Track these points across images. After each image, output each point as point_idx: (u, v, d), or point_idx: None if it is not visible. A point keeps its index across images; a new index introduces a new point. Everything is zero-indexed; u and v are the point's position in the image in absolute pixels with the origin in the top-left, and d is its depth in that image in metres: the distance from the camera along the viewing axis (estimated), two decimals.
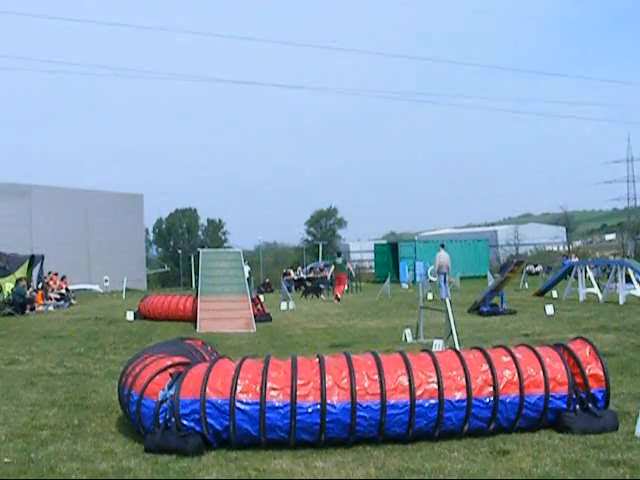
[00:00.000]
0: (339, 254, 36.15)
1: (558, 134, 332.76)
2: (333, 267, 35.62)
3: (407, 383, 7.32)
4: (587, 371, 7.82)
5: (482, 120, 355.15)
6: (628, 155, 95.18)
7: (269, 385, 7.20)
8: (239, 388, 7.20)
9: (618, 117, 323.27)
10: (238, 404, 7.14)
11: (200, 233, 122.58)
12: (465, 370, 7.49)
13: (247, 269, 36.62)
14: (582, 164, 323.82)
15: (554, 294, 29.56)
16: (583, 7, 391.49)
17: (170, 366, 7.70)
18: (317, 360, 7.59)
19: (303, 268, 54.20)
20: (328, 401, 7.14)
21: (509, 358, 7.76)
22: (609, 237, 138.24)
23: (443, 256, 31.38)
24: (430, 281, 42.46)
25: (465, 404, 7.40)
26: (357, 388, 7.21)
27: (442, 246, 32.52)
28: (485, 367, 7.59)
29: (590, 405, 7.77)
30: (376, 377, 7.31)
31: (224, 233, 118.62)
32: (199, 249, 27.49)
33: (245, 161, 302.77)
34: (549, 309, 21.69)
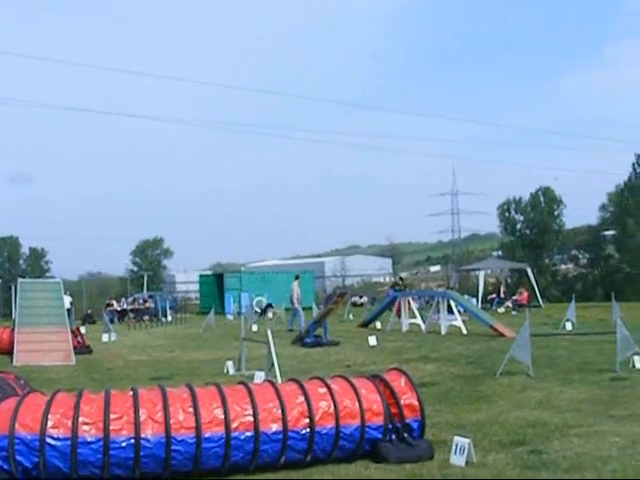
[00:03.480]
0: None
1: (386, 167, 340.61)
2: None
3: (223, 416, 7.28)
4: (402, 401, 7.97)
5: (310, 152, 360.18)
6: (453, 189, 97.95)
7: (81, 420, 7.01)
8: (50, 423, 6.98)
9: (444, 152, 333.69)
10: (49, 440, 6.92)
11: (22, 262, 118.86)
12: (281, 402, 7.50)
13: (68, 300, 35.71)
14: (409, 197, 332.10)
15: (378, 325, 29.98)
16: (413, 45, 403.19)
17: None
18: (131, 393, 7.45)
19: (127, 299, 53.27)
20: (142, 435, 7.02)
21: (325, 389, 7.82)
22: (434, 269, 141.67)
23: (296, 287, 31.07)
24: (256, 312, 42.49)
25: (281, 436, 7.41)
26: (172, 421, 7.13)
27: (296, 277, 32.34)
28: (301, 399, 7.63)
29: (406, 435, 7.91)
30: (191, 410, 7.24)
31: (47, 262, 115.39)
32: (19, 279, 26.64)
33: (71, 189, 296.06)
34: (372, 340, 21.98)
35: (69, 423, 6.97)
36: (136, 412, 7.11)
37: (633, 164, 73.18)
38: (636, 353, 14.57)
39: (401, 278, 43.69)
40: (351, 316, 38.31)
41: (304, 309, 30.25)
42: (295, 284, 30.39)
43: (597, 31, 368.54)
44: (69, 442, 6.90)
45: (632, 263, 71.65)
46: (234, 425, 7.28)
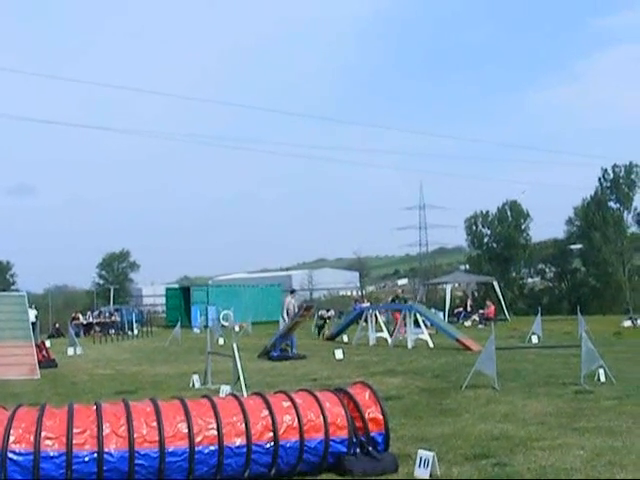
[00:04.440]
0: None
1: (353, 180, 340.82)
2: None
3: (186, 430, 7.24)
4: (367, 415, 7.98)
5: (278, 165, 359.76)
6: (420, 202, 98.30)
7: (44, 434, 6.93)
8: (12, 438, 6.89)
9: (411, 165, 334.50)
10: (10, 455, 6.83)
11: None
12: (245, 416, 7.48)
13: (33, 313, 35.43)
14: (376, 210, 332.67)
15: (345, 339, 29.98)
16: (381, 58, 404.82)
17: None
18: (94, 408, 7.39)
19: (93, 312, 52.96)
20: (105, 449, 6.96)
21: (289, 403, 7.81)
22: (401, 282, 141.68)
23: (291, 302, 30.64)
24: (222, 326, 42.35)
25: (245, 450, 7.38)
26: (135, 436, 7.07)
27: (292, 292, 32.13)
28: (265, 412, 7.61)
29: (370, 448, 7.91)
30: (155, 424, 7.19)
31: (12, 275, 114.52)
32: None
33: (36, 201, 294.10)
34: (338, 353, 21.98)
35: (31, 438, 6.89)
36: (99, 426, 7.05)
37: (599, 178, 73.97)
38: (601, 366, 14.65)
39: (402, 291, 43.45)
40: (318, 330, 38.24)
41: (270, 323, 30.16)
42: (289, 298, 30.12)
43: (565, 46, 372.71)
44: (31, 457, 6.83)
45: (598, 277, 72.29)
46: (198, 439, 7.24)
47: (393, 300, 37.36)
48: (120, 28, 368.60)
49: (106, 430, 7.06)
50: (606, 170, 73.79)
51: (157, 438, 7.12)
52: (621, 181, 73.11)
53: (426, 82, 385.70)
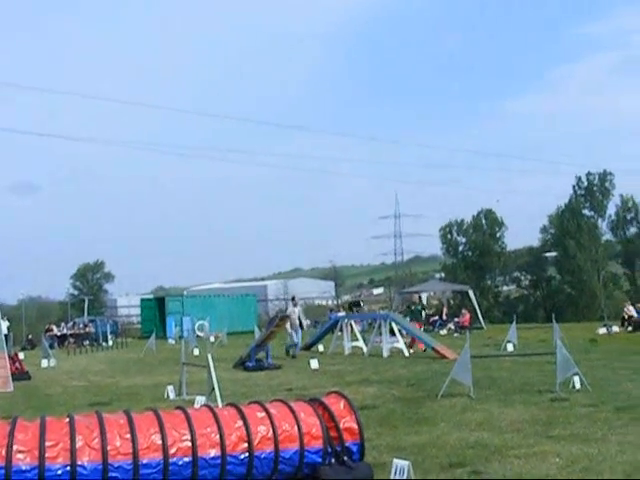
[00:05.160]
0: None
1: (329, 190, 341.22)
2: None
3: (160, 441, 7.18)
4: (342, 425, 7.94)
5: (253, 175, 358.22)
6: (396, 211, 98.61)
7: (15, 448, 6.84)
8: None
9: (386, 175, 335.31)
10: None
11: None
12: (219, 427, 7.43)
13: (5, 324, 35.15)
14: (351, 219, 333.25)
15: (320, 348, 29.91)
16: (354, 66, 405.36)
17: None
18: (67, 420, 7.32)
19: (67, 323, 52.68)
20: (78, 462, 6.88)
21: (264, 414, 7.77)
22: (377, 291, 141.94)
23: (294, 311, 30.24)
24: (198, 336, 42.22)
25: (220, 461, 7.33)
26: (109, 448, 7.00)
27: (292, 300, 31.79)
28: (240, 423, 7.57)
29: (345, 458, 7.87)
30: (128, 436, 7.12)
31: None
32: None
33: (11, 211, 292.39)
34: (314, 363, 21.94)
35: (2, 452, 6.80)
36: (72, 439, 6.98)
37: (573, 186, 74.55)
38: (576, 374, 14.68)
39: (420, 297, 42.97)
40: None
41: (246, 333, 30.02)
42: (291, 307, 29.86)
43: (541, 54, 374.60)
44: (3, 471, 6.74)
45: (573, 284, 72.68)
46: (172, 451, 7.18)
47: (409, 307, 37.01)
48: (97, 39, 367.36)
49: (79, 443, 6.98)
50: (580, 178, 74.45)
51: (131, 450, 7.05)
52: (595, 189, 73.74)
53: (402, 91, 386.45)
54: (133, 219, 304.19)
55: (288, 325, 27.66)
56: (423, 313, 31.05)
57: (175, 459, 7.18)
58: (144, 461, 7.07)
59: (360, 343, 27.94)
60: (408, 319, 31.45)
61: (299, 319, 27.58)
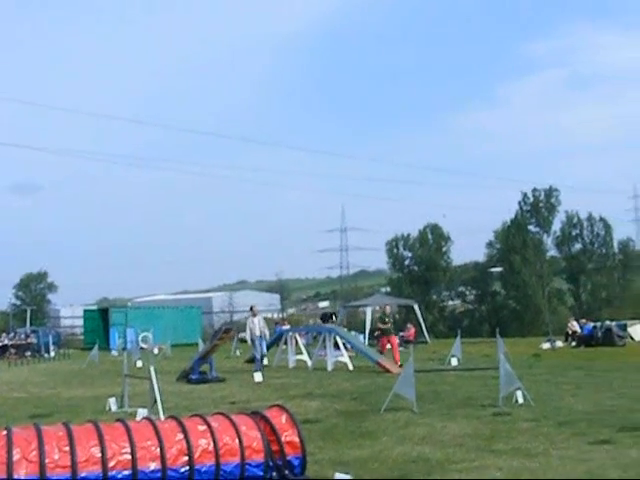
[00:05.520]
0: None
1: (275, 202, 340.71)
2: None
3: (100, 454, 7.09)
4: (283, 438, 7.92)
5: (199, 187, 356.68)
6: (342, 225, 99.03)
7: None
8: None
9: (333, 188, 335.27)
10: None
11: None
12: (160, 440, 7.36)
13: None
14: (298, 233, 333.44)
15: (265, 361, 29.77)
16: (299, 78, 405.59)
17: None
18: (4, 432, 7.19)
19: (8, 334, 51.93)
20: (15, 476, 6.78)
21: (205, 427, 7.71)
22: (322, 304, 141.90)
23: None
24: (141, 348, 41.89)
25: (160, 474, 7.26)
26: (47, 461, 6.90)
27: (251, 309, 31.04)
28: (180, 436, 7.51)
29: (287, 472, 7.85)
30: (67, 449, 7.03)
31: None
32: None
33: None
34: (257, 376, 21.83)
35: None
36: (9, 452, 6.87)
37: (519, 202, 75.23)
38: (519, 388, 14.77)
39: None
40: (238, 352, 38.03)
41: (190, 345, 29.74)
42: (251, 318, 28.91)
43: (487, 72, 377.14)
44: None
45: (518, 299, 73.33)
46: (111, 464, 7.10)
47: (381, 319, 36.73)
48: (38, 45, 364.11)
49: (16, 456, 6.87)
50: (526, 194, 75.15)
51: (69, 463, 6.96)
52: (541, 205, 74.49)
53: (350, 104, 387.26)
54: (78, 229, 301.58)
55: (248, 336, 26.49)
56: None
57: (114, 472, 7.10)
58: (83, 474, 6.98)
59: (305, 356, 27.89)
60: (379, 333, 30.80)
61: (260, 329, 26.47)
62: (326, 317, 42.25)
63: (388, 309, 32.77)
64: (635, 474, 8.50)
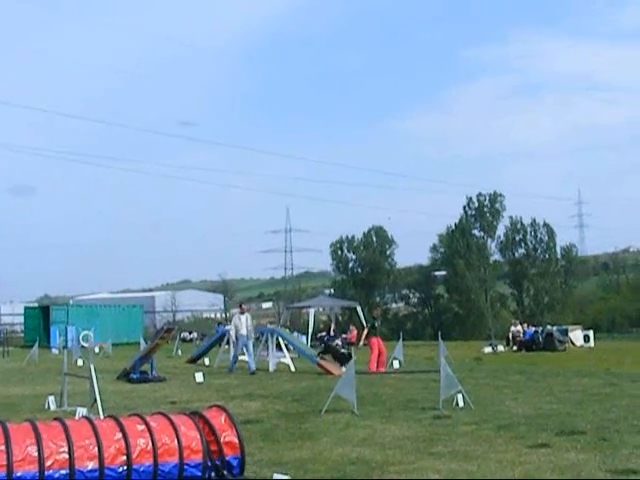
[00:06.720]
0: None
1: (219, 202, 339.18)
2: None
3: (36, 453, 7.01)
4: (222, 439, 7.90)
5: (141, 185, 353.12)
6: (286, 226, 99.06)
7: None
8: None
9: (278, 189, 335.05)
10: None
11: None
12: (98, 439, 7.30)
13: None
14: (242, 233, 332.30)
15: (206, 361, 29.69)
16: (247, 78, 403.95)
17: None
18: None
19: None
20: None
21: (143, 426, 7.67)
22: (266, 305, 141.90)
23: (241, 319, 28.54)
24: (82, 347, 41.54)
25: (97, 474, 7.20)
26: None
27: (240, 306, 30.55)
28: (119, 435, 7.45)
29: (225, 472, 7.83)
30: (2, 447, 6.94)
31: None
32: None
33: None
34: (199, 377, 21.72)
35: None
36: None
37: (464, 207, 75.91)
38: (459, 392, 14.87)
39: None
40: (180, 352, 37.85)
41: (132, 344, 29.50)
42: (238, 315, 28.32)
43: (433, 77, 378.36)
44: None
45: (461, 303, 74.03)
46: (48, 463, 7.02)
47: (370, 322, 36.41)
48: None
49: None
50: (471, 199, 75.91)
51: (5, 462, 6.87)
52: (485, 210, 75.23)
53: (296, 106, 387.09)
54: (18, 225, 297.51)
55: (233, 333, 26.19)
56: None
57: (51, 472, 7.03)
58: (18, 473, 6.90)
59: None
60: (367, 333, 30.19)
61: (247, 328, 25.61)
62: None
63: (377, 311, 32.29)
64: (571, 476, 8.62)
